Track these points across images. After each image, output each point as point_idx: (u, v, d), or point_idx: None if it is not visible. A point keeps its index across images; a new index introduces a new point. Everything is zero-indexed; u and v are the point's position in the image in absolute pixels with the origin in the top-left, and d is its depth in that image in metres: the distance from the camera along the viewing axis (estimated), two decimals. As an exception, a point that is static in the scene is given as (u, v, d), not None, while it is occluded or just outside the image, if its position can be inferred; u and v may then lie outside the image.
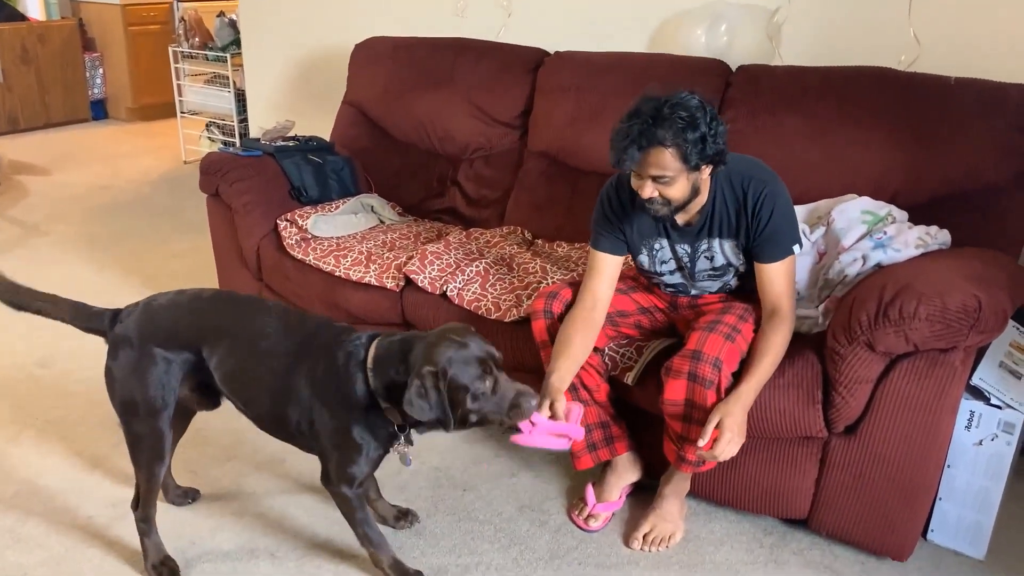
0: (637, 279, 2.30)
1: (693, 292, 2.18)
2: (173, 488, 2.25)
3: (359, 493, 1.89)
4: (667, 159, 1.83)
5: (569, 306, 2.12)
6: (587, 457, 2.20)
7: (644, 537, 2.13)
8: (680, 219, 2.04)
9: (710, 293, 2.18)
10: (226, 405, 2.01)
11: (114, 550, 2.08)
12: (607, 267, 2.11)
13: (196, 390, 1.95)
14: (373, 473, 1.96)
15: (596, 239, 2.13)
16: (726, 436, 1.84)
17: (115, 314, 1.92)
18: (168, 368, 1.86)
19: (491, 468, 2.45)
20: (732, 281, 2.13)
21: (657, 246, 2.11)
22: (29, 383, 2.84)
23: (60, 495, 2.28)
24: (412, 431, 1.83)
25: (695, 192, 1.94)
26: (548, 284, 2.50)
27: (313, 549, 2.11)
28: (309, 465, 2.41)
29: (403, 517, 2.19)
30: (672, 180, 1.87)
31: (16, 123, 6.36)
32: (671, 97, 1.84)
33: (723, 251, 2.06)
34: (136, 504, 1.99)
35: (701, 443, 1.86)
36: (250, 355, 1.85)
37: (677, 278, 2.15)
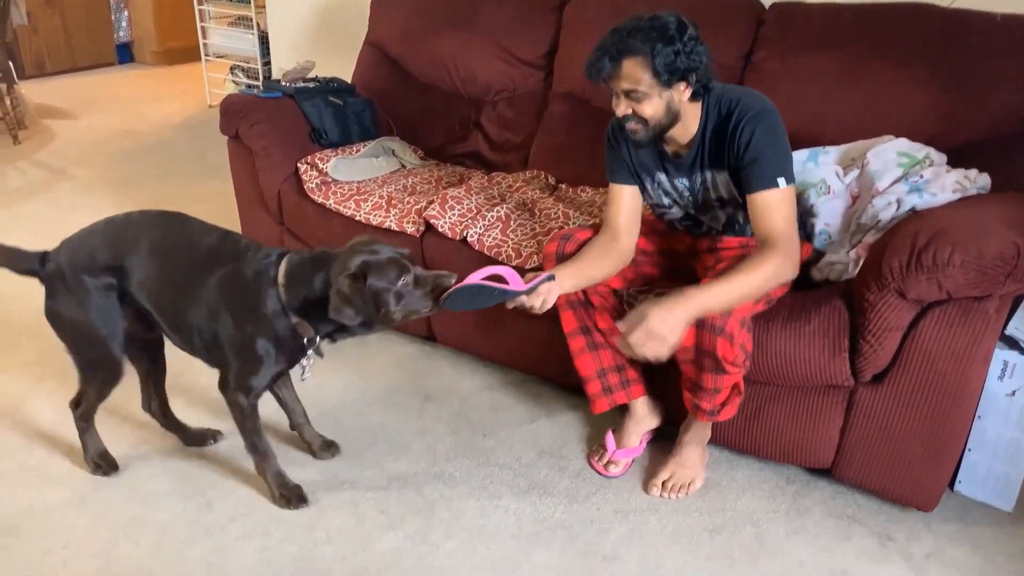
0: (657, 223, 2.24)
1: (704, 229, 2.12)
2: (185, 433, 2.26)
3: (254, 403, 1.95)
4: (637, 71, 1.80)
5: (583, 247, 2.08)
6: (603, 400, 2.18)
7: (663, 484, 2.12)
8: (670, 149, 2.00)
9: (722, 233, 2.11)
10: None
11: (136, 488, 2.10)
12: (622, 197, 2.09)
13: (134, 317, 2.00)
14: (270, 386, 2.04)
15: (608, 170, 2.12)
16: (637, 331, 1.70)
17: (44, 255, 1.97)
18: (103, 294, 1.93)
19: (511, 414, 2.44)
20: (740, 216, 2.04)
21: (657, 180, 2.08)
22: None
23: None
24: (321, 343, 1.90)
25: (672, 115, 1.88)
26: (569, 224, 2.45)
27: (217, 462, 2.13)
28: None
29: (327, 448, 2.22)
30: (644, 96, 1.84)
31: (43, 67, 6.35)
32: (650, 14, 1.82)
33: (719, 183, 1.98)
34: (76, 405, 2.08)
35: (622, 328, 1.75)
36: (162, 263, 1.91)
37: (678, 212, 2.11)
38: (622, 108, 1.88)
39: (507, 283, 1.85)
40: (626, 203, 2.08)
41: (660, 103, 1.85)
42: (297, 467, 2.13)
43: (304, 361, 1.93)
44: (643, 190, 2.11)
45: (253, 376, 1.90)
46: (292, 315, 1.84)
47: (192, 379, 2.45)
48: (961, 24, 2.31)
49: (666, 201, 2.11)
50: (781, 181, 1.85)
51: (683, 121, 1.92)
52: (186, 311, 1.90)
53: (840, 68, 2.41)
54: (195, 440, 2.26)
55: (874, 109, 2.35)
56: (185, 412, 2.33)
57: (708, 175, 1.99)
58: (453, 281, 1.82)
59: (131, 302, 1.97)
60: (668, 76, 1.80)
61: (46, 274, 1.95)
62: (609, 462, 2.20)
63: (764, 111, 1.87)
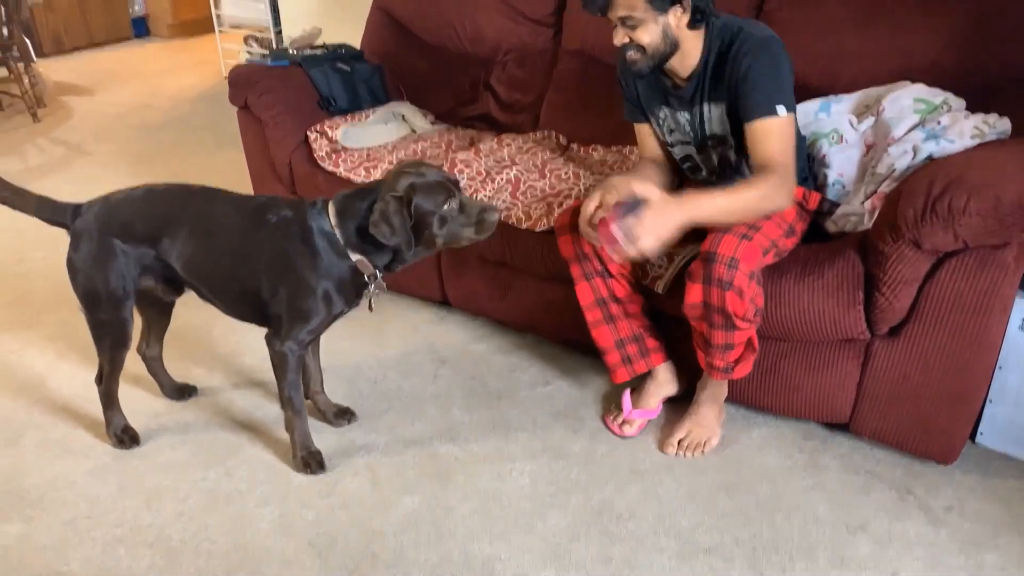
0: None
1: (703, 175, 2.10)
2: (168, 383, 2.34)
3: (300, 354, 1.97)
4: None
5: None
6: (623, 370, 2.17)
7: (679, 443, 2.11)
8: (671, 82, 2.00)
9: (719, 179, 2.08)
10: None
11: (156, 459, 2.14)
12: (643, 135, 2.16)
13: (158, 281, 2.03)
14: (319, 336, 2.08)
15: (627, 110, 2.17)
16: (629, 218, 1.70)
17: (76, 208, 1.99)
18: (127, 260, 1.96)
19: (525, 376, 2.43)
20: (731, 154, 2.00)
21: (662, 115, 2.08)
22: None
23: (64, 398, 2.33)
24: (380, 276, 1.93)
25: (670, 43, 1.87)
26: (581, 191, 2.42)
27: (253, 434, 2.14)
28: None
29: (342, 415, 2.24)
30: (640, 22, 1.84)
31: (61, 44, 6.39)
32: None
33: (717, 117, 1.96)
34: (100, 380, 2.12)
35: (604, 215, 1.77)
36: (208, 238, 1.93)
37: (684, 151, 2.11)
38: (619, 36, 1.88)
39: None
40: (649, 139, 2.16)
41: (656, 29, 1.85)
42: (314, 433, 2.15)
43: (367, 295, 1.96)
44: (654, 128, 2.13)
45: (308, 326, 1.92)
46: (352, 252, 1.87)
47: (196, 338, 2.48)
48: (981, -39, 2.23)
49: (670, 139, 2.11)
50: (781, 109, 1.82)
51: (683, 50, 1.91)
52: (242, 279, 1.93)
53: (855, 14, 2.34)
54: (174, 392, 2.34)
55: (890, 55, 2.28)
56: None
57: (706, 108, 1.97)
58: (497, 217, 1.87)
59: (161, 270, 1.99)
60: (661, 1, 1.81)
61: (75, 229, 1.97)
62: (624, 422, 2.19)
63: (766, 39, 1.85)
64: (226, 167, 4.00)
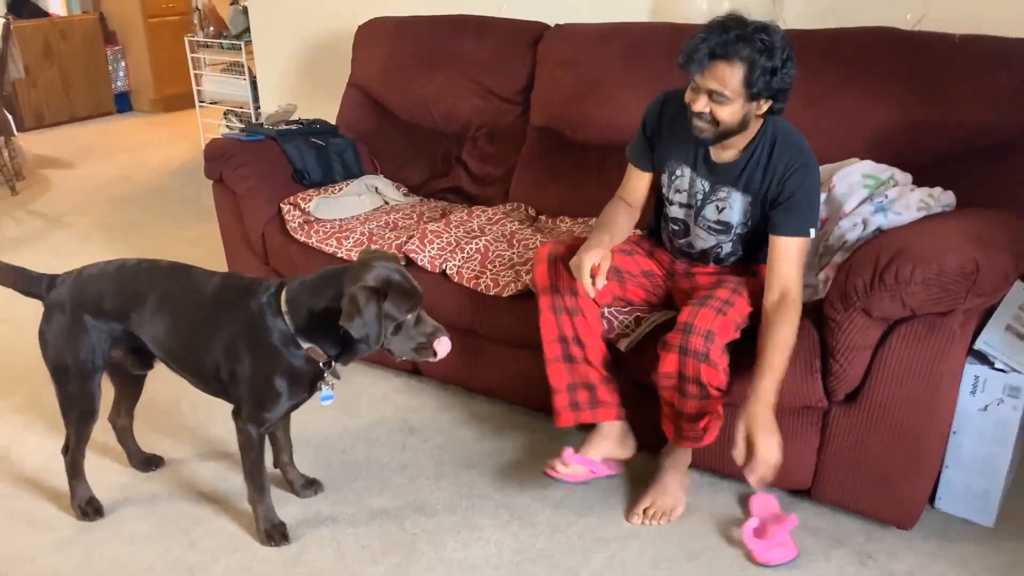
0: (640, 244, 2.27)
1: (684, 242, 2.16)
2: (136, 454, 2.33)
3: (263, 434, 1.97)
4: (732, 77, 1.81)
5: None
6: (568, 415, 2.14)
7: (644, 511, 2.12)
8: (715, 155, 2.01)
9: (700, 261, 2.15)
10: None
11: (120, 530, 2.12)
12: (640, 178, 2.18)
13: (128, 353, 2.06)
14: (284, 419, 2.10)
15: (632, 152, 2.19)
16: (761, 442, 1.81)
17: (51, 280, 2.02)
18: (98, 334, 1.97)
19: (493, 445, 2.45)
20: (727, 246, 2.09)
21: (679, 172, 2.09)
22: (44, 372, 2.89)
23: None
24: (336, 364, 1.90)
25: (743, 126, 1.90)
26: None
27: (218, 505, 2.14)
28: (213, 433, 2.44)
29: (309, 486, 2.24)
30: (728, 101, 1.84)
31: (42, 118, 6.48)
32: (760, 22, 1.83)
33: (734, 206, 2.02)
34: (66, 451, 2.11)
35: (739, 460, 1.85)
36: (172, 316, 1.94)
37: (681, 213, 2.12)
38: (700, 105, 1.87)
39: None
40: (641, 183, 2.19)
41: (739, 112, 1.86)
42: (278, 504, 2.14)
43: (323, 386, 1.93)
44: (659, 178, 2.16)
45: (264, 411, 1.92)
46: (303, 341, 1.85)
47: (164, 409, 2.48)
48: (923, 46, 2.36)
49: (674, 197, 2.12)
50: (812, 231, 1.94)
51: (744, 133, 1.94)
52: (202, 359, 1.93)
53: (809, 92, 2.43)
54: (141, 463, 2.33)
55: (842, 132, 2.39)
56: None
57: (734, 194, 2.01)
58: (445, 346, 1.83)
59: (131, 344, 2.01)
60: (758, 91, 1.82)
61: (49, 301, 2.00)
62: (559, 461, 2.11)
63: (812, 162, 1.94)
64: (203, 239, 4.04)
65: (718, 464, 2.19)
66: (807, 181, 1.92)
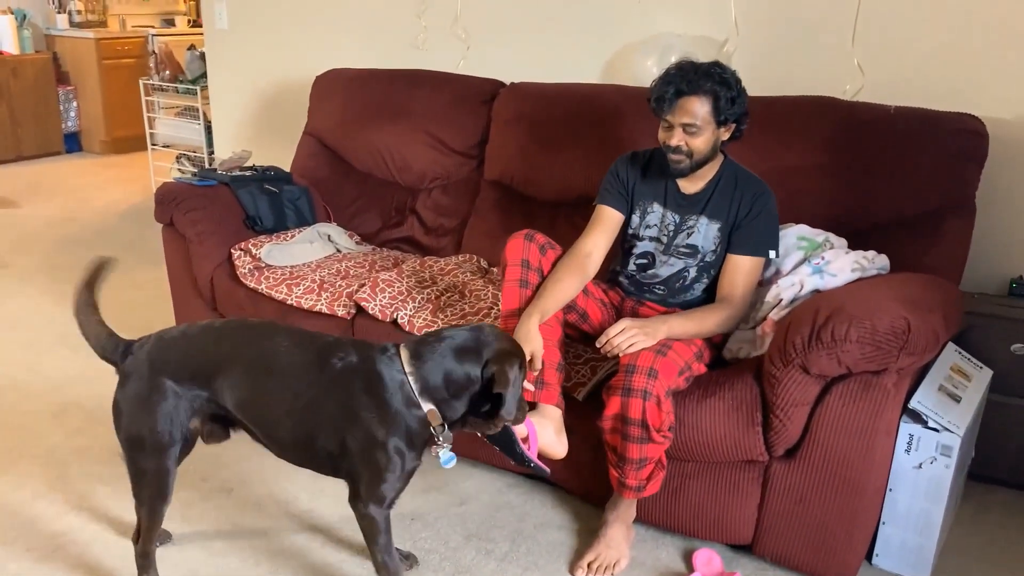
0: (594, 290, 2.32)
1: (650, 272, 2.26)
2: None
3: (388, 515, 1.84)
4: (701, 108, 2.05)
5: (546, 247, 2.20)
6: None
7: (589, 565, 2.11)
8: (684, 186, 2.21)
9: (659, 293, 2.25)
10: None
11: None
12: (608, 221, 2.27)
13: (208, 422, 1.91)
14: (403, 489, 1.89)
15: (603, 195, 2.29)
16: (622, 326, 1.99)
17: (128, 346, 1.88)
18: (178, 403, 1.83)
19: (440, 497, 2.43)
20: (692, 271, 2.22)
21: (651, 209, 2.25)
22: (38, 424, 2.81)
23: (51, 534, 2.24)
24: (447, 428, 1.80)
25: (713, 152, 2.13)
26: (499, 311, 2.51)
27: (254, 580, 2.09)
28: (255, 494, 2.40)
29: (404, 560, 2.12)
30: (700, 131, 2.07)
31: (-13, 156, 6.36)
32: (711, 61, 2.10)
33: (704, 232, 2.18)
34: (137, 538, 1.96)
35: (603, 339, 2.01)
36: (267, 379, 1.81)
37: (651, 246, 2.26)
38: (676, 139, 2.08)
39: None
40: (609, 227, 2.27)
41: (710, 140, 2.09)
42: (179, 560, 2.08)
43: (440, 449, 1.80)
44: (628, 218, 2.29)
45: (387, 482, 1.78)
46: (425, 402, 1.75)
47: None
48: (860, 116, 2.47)
49: (644, 232, 2.26)
50: (772, 252, 2.17)
51: (711, 163, 2.16)
52: (302, 424, 1.79)
53: (749, 157, 2.51)
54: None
55: (781, 196, 2.46)
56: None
57: (703, 221, 2.18)
58: (527, 409, 1.88)
59: (211, 412, 1.88)
60: (724, 117, 2.07)
61: (125, 368, 1.86)
62: None
63: (771, 192, 2.19)
64: (150, 283, 3.98)
65: (662, 519, 2.21)
66: (769, 206, 2.16)
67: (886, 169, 2.37)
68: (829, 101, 2.53)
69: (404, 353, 1.77)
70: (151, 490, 1.88)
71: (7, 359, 3.16)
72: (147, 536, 1.94)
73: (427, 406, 1.75)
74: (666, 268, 2.24)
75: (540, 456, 2.04)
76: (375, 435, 1.74)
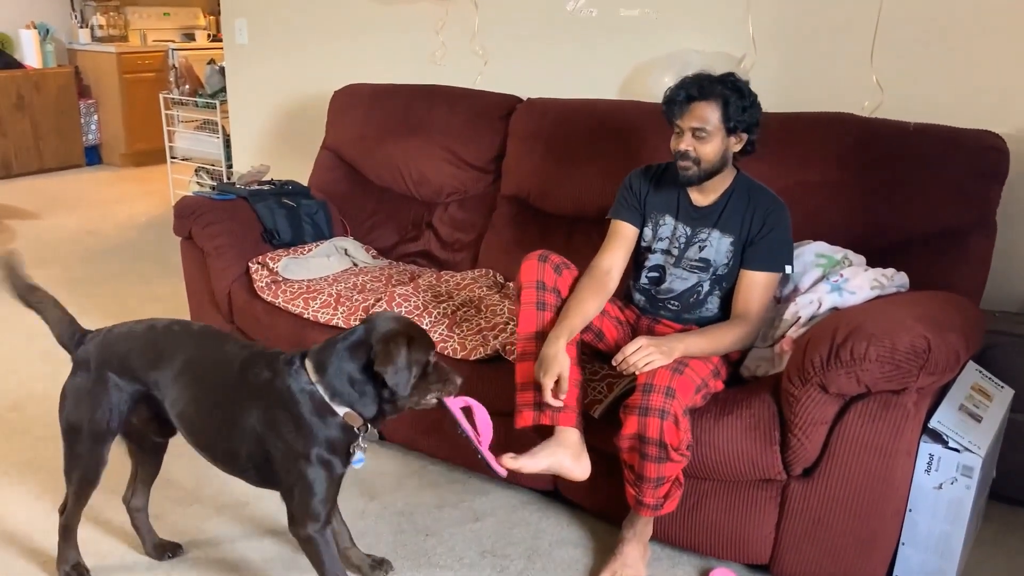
0: (613, 304, 2.31)
1: (663, 287, 2.24)
2: (151, 539, 2.19)
3: (326, 533, 1.85)
4: (711, 113, 2.05)
5: (561, 267, 2.18)
6: (528, 413, 2.09)
7: (606, 583, 2.10)
8: (696, 199, 2.20)
9: (673, 309, 2.23)
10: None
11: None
12: (624, 236, 2.27)
13: (149, 419, 1.98)
14: (335, 503, 1.94)
15: (617, 210, 2.30)
16: (639, 344, 1.97)
17: (83, 336, 1.97)
18: (119, 396, 1.91)
19: (454, 513, 2.42)
20: (706, 285, 2.20)
21: (663, 221, 2.25)
22: (45, 428, 2.83)
23: (19, 539, 2.26)
24: (370, 426, 1.83)
25: (723, 163, 2.11)
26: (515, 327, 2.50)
27: (268, 594, 2.09)
28: (271, 508, 2.40)
29: (378, 567, 2.13)
30: (709, 137, 2.06)
31: (9, 168, 6.44)
32: (725, 72, 2.11)
33: (717, 245, 2.17)
34: (62, 511, 2.04)
35: (619, 357, 2.00)
36: (195, 388, 1.87)
37: (661, 259, 2.25)
38: (685, 144, 2.08)
39: (475, 426, 1.91)
40: (626, 241, 2.28)
41: (719, 147, 2.08)
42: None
43: (355, 449, 1.83)
44: (641, 231, 2.28)
45: (316, 495, 1.79)
46: (339, 407, 1.77)
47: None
48: (879, 133, 2.46)
49: (656, 245, 2.25)
50: (788, 268, 2.14)
51: (722, 175, 2.15)
52: (228, 436, 1.83)
53: (767, 173, 2.51)
54: (155, 548, 2.19)
55: (799, 213, 2.44)
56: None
57: (715, 235, 2.17)
58: (459, 381, 1.84)
59: (154, 408, 1.94)
60: (734, 124, 2.06)
61: (75, 357, 1.95)
62: (507, 457, 2.02)
63: (785, 206, 2.17)
64: (169, 296, 4.01)
65: (679, 537, 2.19)
66: (784, 221, 2.14)
67: (906, 186, 2.36)
68: (848, 118, 2.52)
69: (308, 364, 1.79)
70: (81, 473, 1.97)
71: (26, 371, 3.19)
72: (71, 512, 2.03)
73: (342, 410, 1.78)
74: (679, 282, 2.22)
75: (560, 478, 2.08)
76: (296, 449, 1.77)
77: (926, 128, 2.39)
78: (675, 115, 2.09)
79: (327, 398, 1.77)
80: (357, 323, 1.85)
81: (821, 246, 2.26)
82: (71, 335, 1.97)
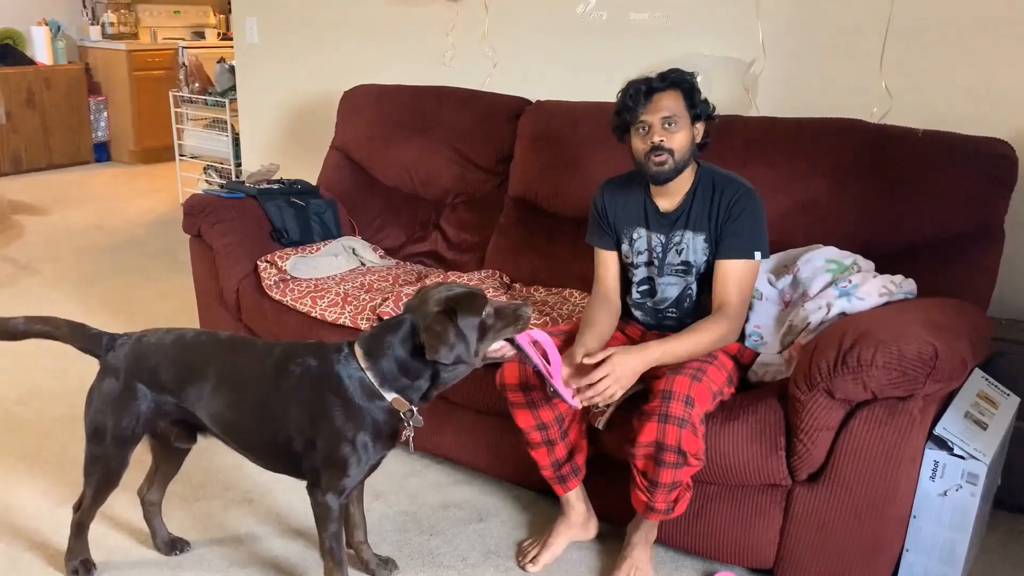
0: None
1: (657, 298, 2.21)
2: (161, 534, 2.21)
3: (342, 504, 1.90)
4: (675, 103, 2.05)
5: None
6: (559, 487, 2.21)
7: (619, 589, 2.11)
8: (662, 204, 2.17)
9: (675, 317, 2.21)
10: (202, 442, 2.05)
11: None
12: (608, 261, 2.29)
13: (175, 425, 2.00)
14: (362, 484, 2.04)
15: (590, 235, 2.31)
16: (605, 371, 1.91)
17: (111, 339, 1.98)
18: (147, 405, 1.93)
19: (459, 513, 2.43)
20: (694, 286, 2.17)
21: (635, 235, 2.22)
22: (6, 420, 2.85)
23: (25, 533, 2.27)
24: (417, 410, 1.86)
25: (689, 155, 2.09)
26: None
27: (273, 591, 2.10)
28: (279, 505, 2.41)
29: (383, 565, 2.16)
30: (678, 126, 2.04)
31: (19, 164, 6.47)
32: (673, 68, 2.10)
33: (692, 245, 2.15)
34: (77, 508, 2.06)
35: (583, 382, 1.93)
36: (234, 392, 1.89)
37: (646, 272, 2.23)
38: (657, 135, 2.04)
39: (548, 362, 1.93)
40: (610, 264, 2.29)
41: (688, 136, 2.07)
42: (201, 570, 2.08)
43: (405, 434, 1.89)
44: (620, 251, 2.27)
45: (349, 476, 1.85)
46: (387, 392, 1.82)
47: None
48: (888, 139, 2.45)
49: (637, 260, 2.23)
50: (757, 254, 2.09)
51: (684, 174, 2.11)
52: (272, 433, 1.87)
53: (776, 179, 2.53)
54: (166, 544, 2.21)
55: (808, 218, 2.47)
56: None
57: (688, 236, 2.14)
58: (530, 311, 1.87)
59: (179, 417, 1.96)
60: (697, 111, 2.07)
61: (104, 363, 1.96)
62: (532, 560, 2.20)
63: (752, 190, 2.11)
64: (176, 293, 4.03)
65: (683, 541, 2.19)
66: (751, 205, 2.09)
67: (914, 193, 2.36)
68: (857, 124, 2.52)
69: (358, 351, 1.84)
70: (102, 475, 1.99)
71: (36, 365, 3.21)
72: (87, 511, 2.05)
73: (390, 395, 1.82)
74: (670, 288, 2.20)
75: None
76: (342, 432, 1.81)
77: (935, 135, 2.39)
78: (639, 110, 2.05)
79: (376, 384, 1.82)
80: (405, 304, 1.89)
81: (831, 251, 2.26)
82: (95, 340, 1.98)
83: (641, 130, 2.08)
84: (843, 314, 2.09)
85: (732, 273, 2.08)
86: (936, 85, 2.64)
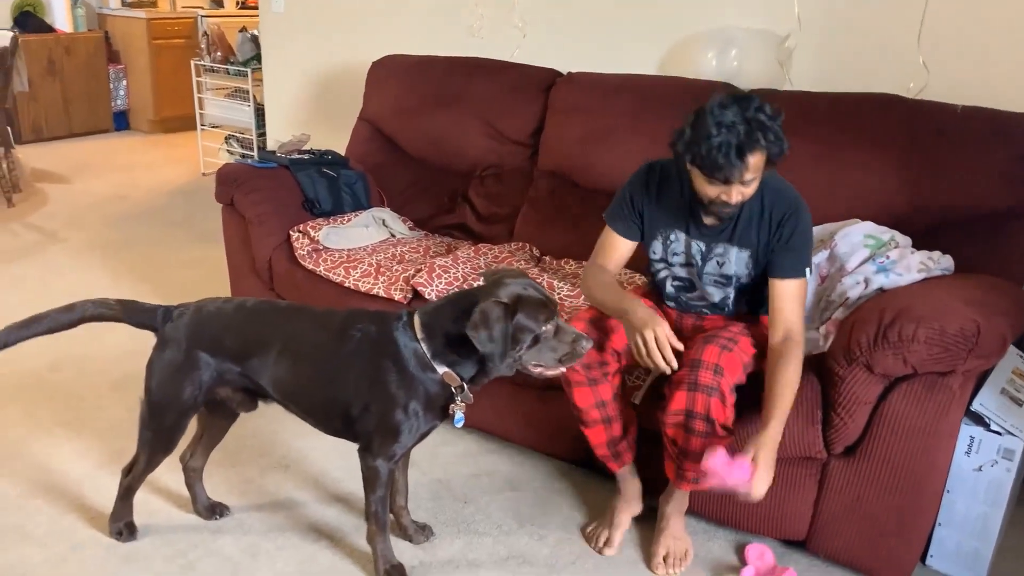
0: (648, 298, 2.30)
1: (692, 297, 2.17)
2: (202, 499, 2.26)
3: (392, 468, 1.95)
4: (759, 162, 1.86)
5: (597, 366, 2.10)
6: (613, 464, 2.21)
7: (664, 560, 2.13)
8: (708, 219, 2.03)
9: (711, 312, 2.19)
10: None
11: (116, 552, 2.11)
12: (617, 246, 2.17)
13: (236, 394, 2.04)
14: (410, 452, 2.06)
15: (613, 215, 2.17)
16: (760, 472, 1.82)
17: (167, 311, 2.00)
18: (209, 374, 1.96)
19: (492, 481, 2.46)
20: (733, 294, 2.12)
21: (672, 237, 2.11)
22: (40, 386, 2.88)
23: (67, 496, 2.31)
24: (467, 388, 1.89)
25: None
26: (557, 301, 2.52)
27: (310, 556, 2.13)
28: (315, 469, 2.45)
29: (420, 531, 2.20)
30: (755, 181, 1.89)
31: (40, 132, 6.48)
32: (748, 99, 1.85)
33: (735, 260, 2.06)
34: (127, 473, 2.10)
35: (742, 480, 1.83)
36: (296, 360, 1.93)
37: (684, 272, 2.14)
38: (735, 196, 1.89)
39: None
40: (619, 254, 2.18)
41: (758, 183, 1.92)
42: (240, 534, 2.13)
43: (455, 409, 1.90)
44: (649, 244, 2.16)
45: (400, 442, 1.90)
46: (439, 365, 1.85)
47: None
48: (925, 114, 2.45)
49: (674, 260, 2.14)
50: (807, 271, 2.00)
51: None
52: (332, 397, 1.91)
53: (814, 153, 2.52)
54: (206, 508, 2.25)
55: (843, 193, 2.47)
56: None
57: (732, 250, 2.05)
58: (587, 345, 1.84)
59: (241, 384, 1.99)
60: (774, 160, 1.89)
61: (163, 334, 1.97)
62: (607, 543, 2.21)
63: (803, 205, 1.99)
64: (199, 262, 4.05)
65: (715, 512, 2.22)
66: (800, 225, 1.98)
67: (952, 169, 2.35)
68: (895, 99, 2.51)
69: (416, 321, 1.87)
70: (159, 442, 2.03)
71: (66, 333, 3.22)
72: (137, 476, 2.08)
73: (442, 369, 1.85)
74: (710, 295, 2.15)
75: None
76: (395, 397, 1.85)
77: (973, 111, 2.38)
78: (734, 179, 1.84)
79: (429, 356, 1.85)
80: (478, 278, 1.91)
81: (869, 226, 2.26)
82: (150, 314, 2.00)
83: (718, 184, 1.88)
84: (881, 289, 2.10)
85: (788, 293, 1.98)
86: (974, 60, 2.62)
